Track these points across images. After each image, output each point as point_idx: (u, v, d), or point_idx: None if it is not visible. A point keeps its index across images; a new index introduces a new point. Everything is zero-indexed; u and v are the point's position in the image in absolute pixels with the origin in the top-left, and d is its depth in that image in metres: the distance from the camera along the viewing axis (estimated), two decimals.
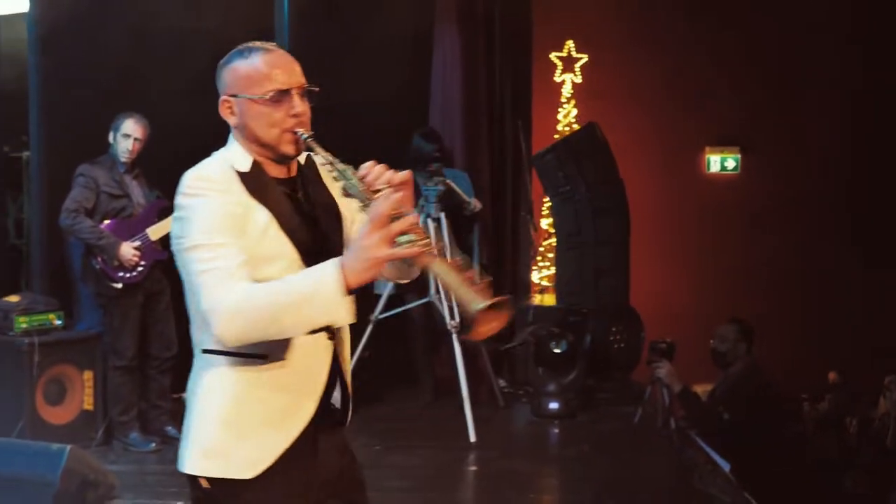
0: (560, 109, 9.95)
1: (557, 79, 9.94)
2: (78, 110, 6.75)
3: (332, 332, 2.58)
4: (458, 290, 2.31)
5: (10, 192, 8.45)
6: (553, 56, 9.91)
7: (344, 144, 8.00)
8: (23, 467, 4.96)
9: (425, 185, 7.06)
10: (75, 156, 6.42)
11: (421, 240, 2.32)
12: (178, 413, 4.86)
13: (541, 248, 9.28)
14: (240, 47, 2.64)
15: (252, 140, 2.59)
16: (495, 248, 8.24)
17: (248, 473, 2.50)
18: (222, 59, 2.65)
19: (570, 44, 9.94)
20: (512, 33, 8.57)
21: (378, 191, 2.42)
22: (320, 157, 2.56)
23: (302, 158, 2.69)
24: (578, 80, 9.98)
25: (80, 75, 6.93)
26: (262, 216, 2.52)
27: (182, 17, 7.23)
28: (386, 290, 7.14)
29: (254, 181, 2.55)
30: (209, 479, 2.54)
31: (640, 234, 8.83)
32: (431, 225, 6.93)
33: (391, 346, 7.60)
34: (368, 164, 2.50)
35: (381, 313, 7.09)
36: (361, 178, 2.47)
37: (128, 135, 6.30)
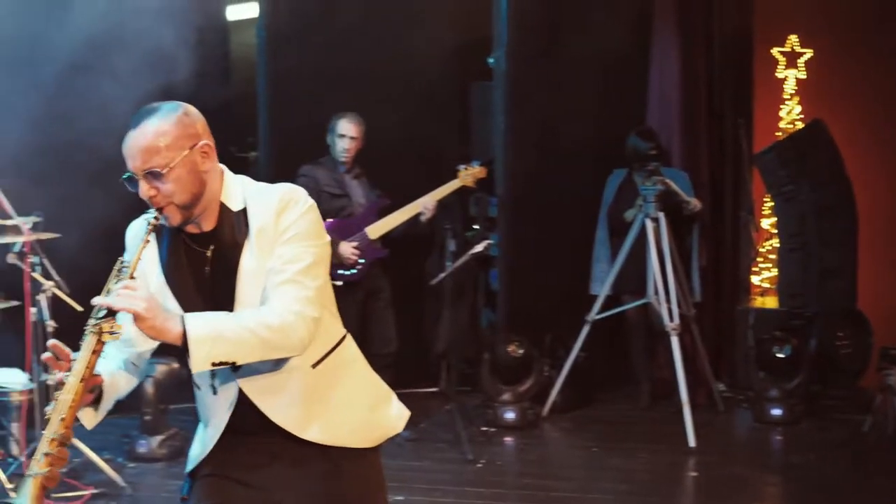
0: (783, 106, 9.61)
1: (780, 75, 9.61)
2: (303, 113, 6.97)
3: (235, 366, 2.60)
4: (37, 457, 2.34)
5: None
6: (775, 51, 9.59)
7: (563, 141, 7.97)
8: None
9: (643, 184, 6.97)
10: (300, 157, 6.63)
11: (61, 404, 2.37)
12: None
13: (762, 249, 9.00)
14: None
15: None
16: (715, 249, 8.06)
17: (188, 467, 2.85)
18: None
19: (793, 38, 9.60)
20: (732, 29, 8.37)
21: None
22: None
23: (237, 205, 2.66)
24: (802, 75, 9.64)
25: (306, 79, 7.17)
26: (153, 270, 2.64)
27: (403, 25, 7.38)
28: (602, 291, 7.09)
29: (167, 235, 2.65)
30: None
31: (868, 235, 8.45)
32: (650, 225, 6.83)
33: (608, 348, 7.54)
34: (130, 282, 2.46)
35: (597, 314, 7.04)
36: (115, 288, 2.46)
37: (343, 135, 6.49)
